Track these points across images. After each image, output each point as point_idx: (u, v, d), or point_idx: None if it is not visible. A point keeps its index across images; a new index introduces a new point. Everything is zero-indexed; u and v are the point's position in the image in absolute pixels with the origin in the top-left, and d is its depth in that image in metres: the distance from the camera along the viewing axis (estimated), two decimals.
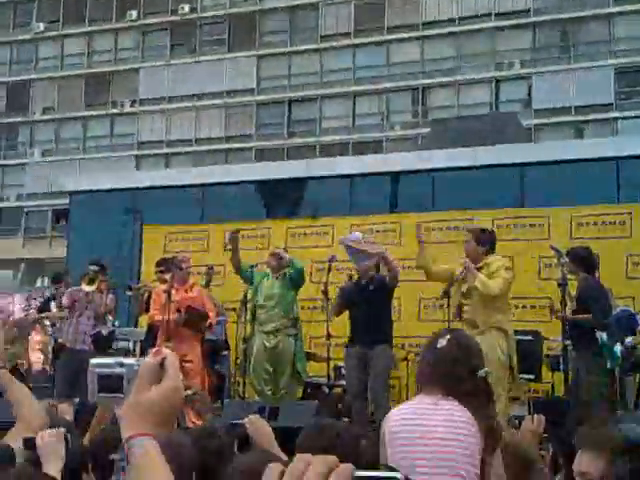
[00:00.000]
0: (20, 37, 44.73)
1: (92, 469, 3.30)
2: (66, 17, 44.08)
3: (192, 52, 41.94)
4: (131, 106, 42.59)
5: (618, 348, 7.89)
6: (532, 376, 8.57)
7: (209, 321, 8.25)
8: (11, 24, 45.27)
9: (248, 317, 8.33)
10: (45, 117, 43.87)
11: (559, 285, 7.49)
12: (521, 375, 8.32)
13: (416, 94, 38.53)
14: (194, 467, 3.00)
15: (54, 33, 44.23)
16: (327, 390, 8.59)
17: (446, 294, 7.35)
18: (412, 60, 38.36)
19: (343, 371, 8.51)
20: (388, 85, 38.57)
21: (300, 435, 3.03)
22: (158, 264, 9.57)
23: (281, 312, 8.10)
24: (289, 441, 3.10)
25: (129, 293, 9.66)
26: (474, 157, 11.20)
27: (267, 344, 8.02)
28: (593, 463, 2.15)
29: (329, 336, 8.21)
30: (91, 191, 13.41)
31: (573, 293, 7.62)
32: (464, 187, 10.76)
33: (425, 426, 3.01)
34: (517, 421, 4.97)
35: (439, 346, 3.17)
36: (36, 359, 11.32)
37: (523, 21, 36.75)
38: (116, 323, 9.58)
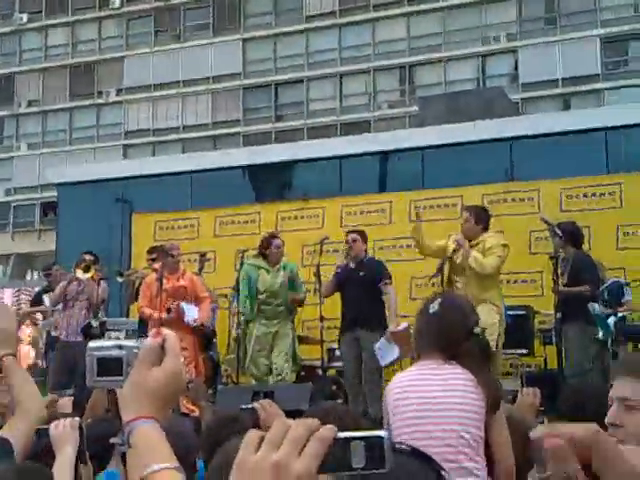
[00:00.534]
0: (3, 29, 44.32)
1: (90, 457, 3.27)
2: (49, 7, 43.73)
3: (176, 38, 41.67)
4: (117, 95, 42.35)
5: (612, 320, 7.90)
6: (525, 350, 8.58)
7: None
8: None
9: (246, 305, 8.26)
10: (31, 109, 43.59)
11: (551, 258, 7.46)
12: (514, 350, 8.35)
13: (403, 72, 38.38)
14: (196, 453, 2.98)
15: (37, 24, 43.89)
16: (321, 372, 8.57)
17: (439, 271, 7.35)
18: (399, 38, 38.18)
19: (337, 352, 8.52)
20: (375, 64, 38.41)
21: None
22: (149, 252, 9.53)
23: (285, 308, 8.22)
24: None
25: (120, 279, 9.59)
26: (464, 133, 11.15)
27: (268, 330, 8.09)
28: (636, 387, 2.06)
29: (322, 318, 8.20)
30: (79, 182, 13.34)
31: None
32: (454, 164, 10.72)
33: (428, 392, 3.01)
34: (510, 396, 4.95)
35: (432, 311, 3.16)
36: (26, 353, 11.27)
37: None
38: (101, 314, 9.42)
